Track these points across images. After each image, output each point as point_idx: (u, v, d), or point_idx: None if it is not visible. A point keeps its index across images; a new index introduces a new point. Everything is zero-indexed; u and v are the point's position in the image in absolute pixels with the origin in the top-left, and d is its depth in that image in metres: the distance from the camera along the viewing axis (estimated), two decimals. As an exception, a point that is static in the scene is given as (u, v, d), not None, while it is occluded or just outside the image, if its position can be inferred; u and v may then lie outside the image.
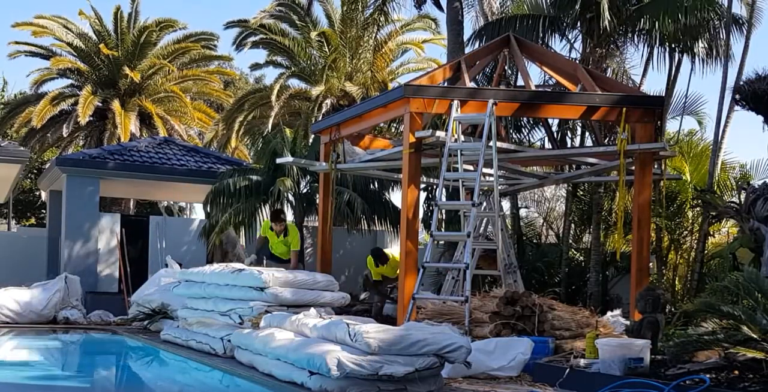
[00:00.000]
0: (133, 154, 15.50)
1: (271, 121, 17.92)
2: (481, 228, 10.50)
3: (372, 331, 5.43)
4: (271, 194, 13.43)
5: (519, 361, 6.38)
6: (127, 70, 21.65)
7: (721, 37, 12.68)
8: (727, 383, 5.34)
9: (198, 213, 24.99)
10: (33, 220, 28.64)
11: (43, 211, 23.69)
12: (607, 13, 11.80)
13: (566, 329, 7.38)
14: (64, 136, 22.55)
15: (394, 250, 15.99)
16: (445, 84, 10.69)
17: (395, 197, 14.96)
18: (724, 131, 11.98)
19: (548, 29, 13.41)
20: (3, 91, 30.00)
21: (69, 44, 22.59)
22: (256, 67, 23.32)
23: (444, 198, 10.81)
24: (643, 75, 13.83)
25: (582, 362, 6.23)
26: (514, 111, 9.34)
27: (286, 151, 13.25)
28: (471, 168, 9.51)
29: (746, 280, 5.98)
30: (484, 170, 8.94)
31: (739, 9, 13.13)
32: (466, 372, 6.14)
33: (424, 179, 11.49)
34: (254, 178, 13.97)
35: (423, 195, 13.67)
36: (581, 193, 13.71)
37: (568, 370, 6.08)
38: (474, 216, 8.35)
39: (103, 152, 15.44)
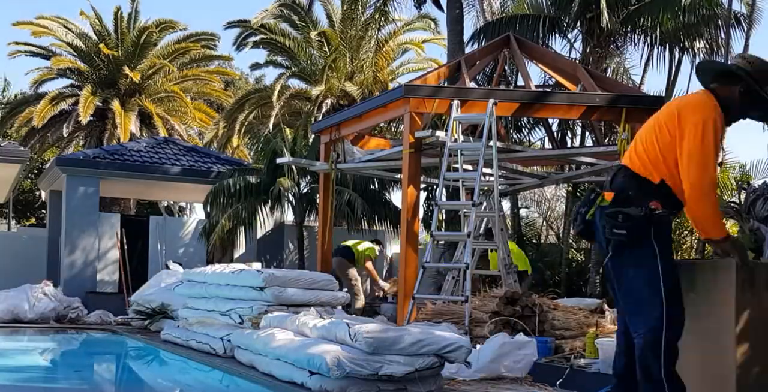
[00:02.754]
0: (133, 154, 15.50)
1: (272, 120, 17.94)
2: (481, 228, 10.50)
3: (372, 331, 5.43)
4: (271, 194, 13.45)
5: (527, 362, 6.38)
6: (127, 70, 21.65)
7: (722, 36, 12.68)
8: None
9: (198, 213, 25.01)
10: (33, 220, 28.64)
11: (43, 211, 23.70)
12: (606, 13, 11.80)
13: (566, 329, 7.38)
14: (64, 135, 22.55)
15: (395, 249, 16.04)
16: (445, 84, 10.69)
17: (395, 197, 14.98)
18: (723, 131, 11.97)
19: (548, 29, 13.43)
20: (5, 91, 30.05)
21: (69, 44, 22.60)
22: (256, 66, 23.35)
23: (444, 199, 10.81)
24: (643, 74, 13.85)
25: (582, 362, 6.23)
26: (514, 111, 9.33)
27: (286, 150, 13.26)
28: (471, 168, 9.51)
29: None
30: (484, 170, 8.93)
31: (739, 7, 13.14)
32: (471, 372, 6.14)
33: (424, 179, 11.49)
34: (254, 178, 13.99)
35: (423, 195, 13.67)
36: (581, 192, 13.71)
37: (568, 370, 6.08)
38: (474, 216, 8.34)
39: (103, 152, 15.44)
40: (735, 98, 3.68)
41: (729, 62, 3.85)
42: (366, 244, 11.87)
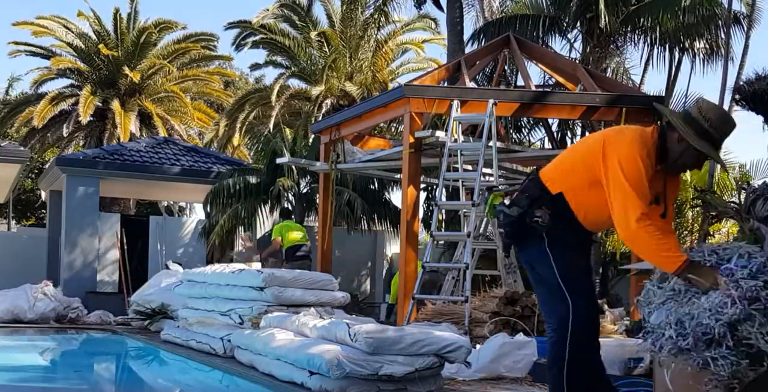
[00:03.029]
0: (133, 154, 15.51)
1: (272, 121, 17.94)
2: (481, 228, 10.50)
3: (372, 331, 5.43)
4: (271, 194, 13.44)
5: (527, 362, 6.37)
6: (126, 70, 21.65)
7: (722, 36, 12.68)
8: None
9: (198, 213, 25.01)
10: (33, 220, 28.64)
11: (43, 211, 23.69)
12: (604, 13, 11.81)
13: (566, 329, 7.37)
14: (65, 135, 22.55)
15: (394, 248, 16.04)
16: (445, 84, 10.70)
17: (395, 197, 14.98)
18: (724, 131, 11.96)
19: (548, 29, 13.43)
20: (10, 87, 30.14)
21: (69, 44, 22.60)
22: (256, 67, 23.36)
23: (444, 199, 10.81)
24: (643, 75, 13.86)
25: (582, 362, 6.22)
26: (514, 111, 9.34)
27: (285, 151, 13.26)
28: (471, 168, 9.51)
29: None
30: (484, 170, 8.93)
31: (739, 7, 13.14)
32: (471, 372, 6.14)
33: (424, 179, 11.49)
34: (254, 178, 13.99)
35: (423, 195, 13.67)
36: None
37: (568, 370, 6.06)
38: (474, 216, 8.34)
39: (102, 152, 15.44)
40: (674, 142, 3.56)
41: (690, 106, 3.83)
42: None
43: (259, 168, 14.41)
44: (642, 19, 12.66)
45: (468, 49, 13.54)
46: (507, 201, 3.91)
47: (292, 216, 12.68)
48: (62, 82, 23.82)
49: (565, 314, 3.59)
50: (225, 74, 26.29)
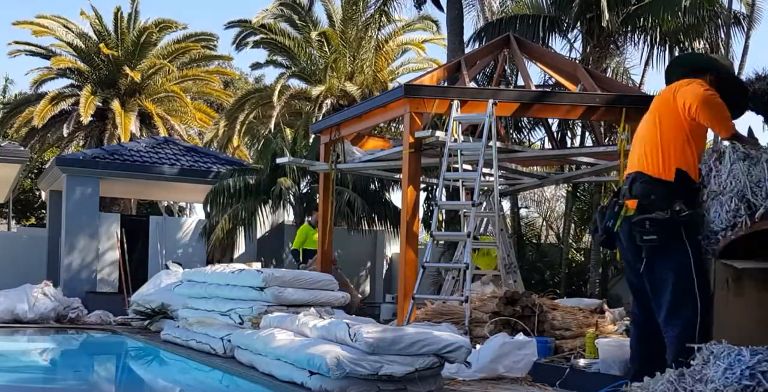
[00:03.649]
0: (133, 154, 15.51)
1: (272, 121, 17.94)
2: (481, 228, 10.49)
3: (372, 331, 5.43)
4: (272, 194, 13.45)
5: (527, 362, 6.38)
6: (127, 70, 21.65)
7: (722, 36, 12.68)
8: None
9: (198, 213, 25.02)
10: (33, 220, 28.64)
11: (43, 211, 23.70)
12: (606, 13, 11.80)
13: (566, 329, 7.37)
14: (65, 135, 22.55)
15: (394, 249, 16.04)
16: (445, 84, 10.69)
17: (395, 197, 14.98)
18: (724, 131, 11.96)
19: (548, 29, 13.43)
20: (5, 90, 30.09)
21: (69, 44, 22.61)
22: (256, 66, 23.34)
23: (444, 199, 10.80)
24: (643, 74, 13.85)
25: (582, 362, 6.22)
26: (514, 111, 9.32)
27: (286, 150, 13.26)
28: (471, 168, 9.51)
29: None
30: (484, 170, 8.93)
31: (739, 7, 13.14)
32: (471, 372, 6.14)
33: (424, 179, 11.49)
34: (254, 178, 13.99)
35: (423, 195, 13.67)
36: (581, 192, 13.71)
37: (568, 370, 6.07)
38: (474, 216, 8.34)
39: (103, 152, 15.44)
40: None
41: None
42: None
43: (259, 168, 14.41)
44: (642, 19, 12.65)
45: (468, 49, 13.53)
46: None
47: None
48: (62, 82, 23.87)
49: (692, 324, 3.76)
50: (225, 74, 26.30)
